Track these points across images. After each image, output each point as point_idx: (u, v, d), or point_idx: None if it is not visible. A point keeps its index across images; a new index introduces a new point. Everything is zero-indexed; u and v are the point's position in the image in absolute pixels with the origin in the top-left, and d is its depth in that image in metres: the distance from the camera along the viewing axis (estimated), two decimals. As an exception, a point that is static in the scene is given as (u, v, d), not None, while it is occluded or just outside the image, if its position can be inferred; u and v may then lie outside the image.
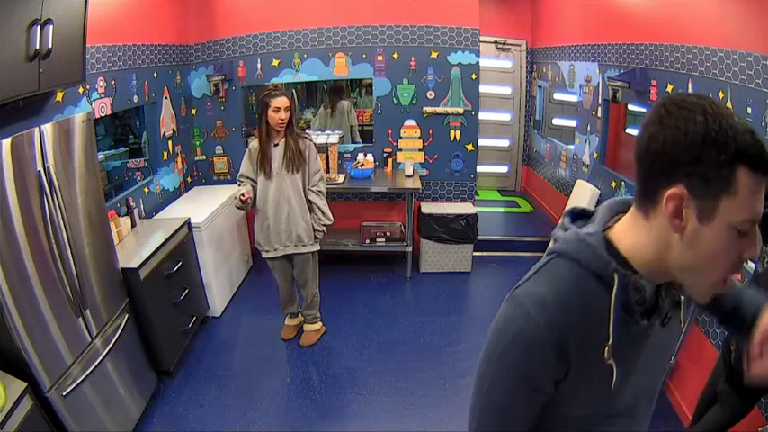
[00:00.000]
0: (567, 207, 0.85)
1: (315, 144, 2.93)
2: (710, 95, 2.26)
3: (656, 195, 0.67)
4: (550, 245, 0.79)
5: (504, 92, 5.87)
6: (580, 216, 0.84)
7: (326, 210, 2.97)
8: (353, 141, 4.76)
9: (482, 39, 4.29)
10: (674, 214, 0.66)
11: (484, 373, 0.78)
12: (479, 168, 4.77)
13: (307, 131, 4.14)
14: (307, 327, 3.25)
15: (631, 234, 0.73)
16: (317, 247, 3.03)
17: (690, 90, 2.49)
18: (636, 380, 0.77)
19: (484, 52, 5.39)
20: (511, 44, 5.67)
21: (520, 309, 0.73)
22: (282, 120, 2.71)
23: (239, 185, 2.92)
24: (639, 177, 0.70)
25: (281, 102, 2.70)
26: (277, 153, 2.78)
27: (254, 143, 2.84)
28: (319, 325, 3.28)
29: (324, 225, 2.97)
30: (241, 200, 2.78)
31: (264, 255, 3.00)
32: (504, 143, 6.03)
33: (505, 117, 5.96)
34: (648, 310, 0.74)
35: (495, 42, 5.59)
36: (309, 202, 2.93)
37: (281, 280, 3.12)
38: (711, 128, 0.62)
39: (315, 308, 3.21)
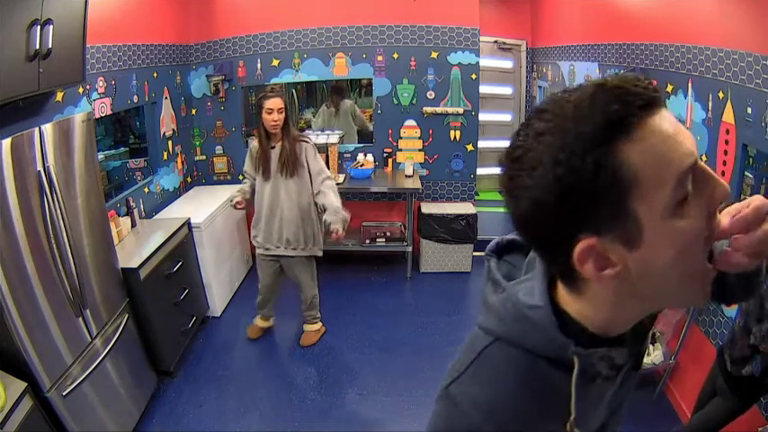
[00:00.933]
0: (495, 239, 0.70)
1: (314, 144, 2.87)
2: (710, 95, 2.26)
3: (569, 262, 0.51)
4: (482, 316, 0.63)
5: (504, 92, 5.87)
6: (508, 249, 0.69)
7: (339, 203, 2.85)
8: (361, 141, 4.70)
9: (483, 39, 4.29)
10: (600, 267, 0.50)
11: None
12: (481, 171, 4.76)
13: (306, 132, 4.15)
14: (306, 327, 3.24)
15: (575, 301, 0.57)
16: (312, 252, 2.98)
17: (690, 91, 2.49)
18: (598, 422, 0.66)
19: (486, 52, 5.40)
20: (511, 44, 5.66)
21: (460, 415, 0.60)
22: (275, 121, 2.69)
23: (243, 182, 2.97)
24: (543, 258, 0.57)
25: (273, 103, 2.67)
26: (274, 155, 2.78)
27: (254, 143, 2.85)
28: (319, 325, 3.27)
29: (341, 219, 2.82)
30: (236, 207, 2.87)
31: (257, 250, 3.01)
32: (506, 144, 6.03)
33: (506, 118, 5.95)
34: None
35: (496, 42, 5.59)
36: (315, 205, 2.89)
37: (263, 281, 3.12)
38: (559, 150, 0.47)
39: (314, 309, 3.21)
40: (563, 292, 0.59)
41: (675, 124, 0.48)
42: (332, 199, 2.81)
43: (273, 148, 2.78)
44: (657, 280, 0.51)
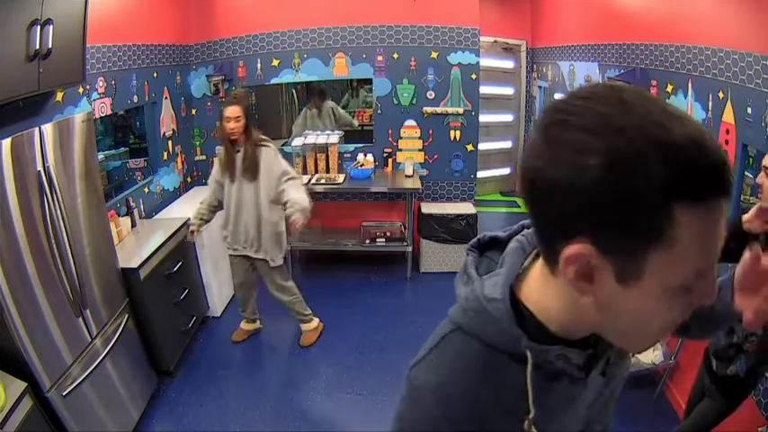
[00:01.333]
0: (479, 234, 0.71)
1: (276, 149, 2.85)
2: (710, 95, 2.26)
3: (556, 251, 0.49)
4: (453, 307, 0.64)
5: (506, 92, 5.86)
6: (491, 245, 0.68)
7: (303, 194, 2.79)
8: (360, 141, 4.70)
9: (484, 39, 4.29)
10: (579, 277, 0.48)
11: None
12: (483, 173, 4.77)
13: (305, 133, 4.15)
14: (303, 327, 3.23)
15: (540, 293, 0.57)
16: (270, 257, 2.92)
17: (690, 91, 2.49)
18: (574, 426, 0.64)
19: (490, 52, 5.40)
20: (511, 44, 5.66)
21: (418, 399, 0.60)
22: (232, 129, 2.69)
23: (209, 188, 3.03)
24: (533, 221, 0.53)
25: (230, 111, 2.69)
26: (238, 159, 2.80)
27: (221, 148, 2.89)
28: (315, 323, 3.25)
29: (299, 209, 2.70)
30: (191, 234, 3.01)
31: (228, 250, 3.02)
32: (507, 144, 6.02)
33: (508, 118, 5.95)
34: (585, 363, 0.60)
35: (495, 42, 5.59)
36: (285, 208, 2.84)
37: (235, 281, 3.14)
38: (622, 153, 0.42)
39: (299, 310, 3.16)
40: (530, 288, 0.58)
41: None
42: (292, 193, 2.78)
43: (238, 152, 2.80)
44: (610, 322, 0.52)
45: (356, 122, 4.94)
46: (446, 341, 0.61)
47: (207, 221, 3.03)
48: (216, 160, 2.97)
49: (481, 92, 4.35)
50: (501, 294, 0.56)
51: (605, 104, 0.45)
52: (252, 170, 2.76)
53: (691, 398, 2.09)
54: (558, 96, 0.58)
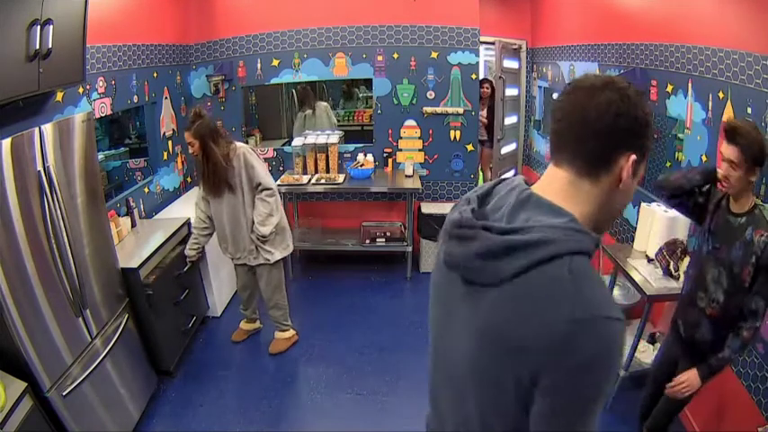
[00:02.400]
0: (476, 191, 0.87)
1: (245, 161, 2.71)
2: (710, 95, 2.27)
3: (612, 162, 0.75)
4: (523, 254, 0.70)
5: (512, 93, 5.80)
6: (486, 197, 0.86)
7: (262, 219, 2.76)
8: (361, 141, 4.72)
9: (488, 39, 4.28)
10: (629, 174, 0.76)
11: (593, 408, 0.70)
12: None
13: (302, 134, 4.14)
14: (276, 334, 3.19)
15: (576, 203, 0.76)
16: (270, 257, 2.90)
17: (690, 91, 2.49)
18: None
19: (504, 53, 5.37)
20: (516, 45, 5.66)
21: (608, 324, 0.67)
22: (192, 153, 2.68)
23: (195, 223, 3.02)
24: (592, 145, 0.75)
25: (186, 136, 2.67)
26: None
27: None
28: (290, 333, 3.19)
29: (258, 236, 2.77)
30: (190, 260, 3.02)
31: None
32: (512, 147, 5.98)
33: (513, 120, 5.91)
34: None
35: (494, 43, 5.58)
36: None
37: (239, 284, 3.17)
38: (650, 111, 0.76)
39: (278, 314, 3.11)
40: (566, 205, 0.76)
41: None
42: (256, 215, 2.76)
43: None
44: (620, 202, 0.80)
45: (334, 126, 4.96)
46: (575, 270, 0.69)
47: (203, 245, 3.07)
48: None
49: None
50: (569, 215, 0.74)
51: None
52: (219, 186, 2.70)
53: (656, 375, 2.05)
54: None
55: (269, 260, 2.90)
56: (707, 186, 1.79)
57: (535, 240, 0.69)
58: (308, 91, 4.86)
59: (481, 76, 4.55)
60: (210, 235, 3.02)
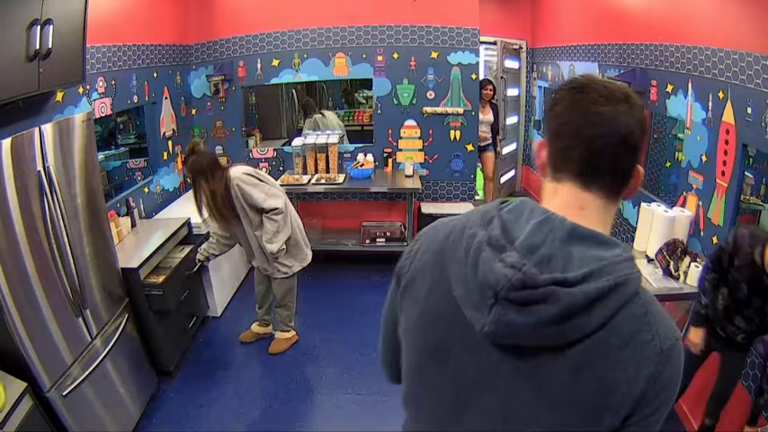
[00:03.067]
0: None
1: (239, 185, 2.65)
2: (710, 95, 2.27)
3: (629, 175, 0.70)
4: (623, 276, 0.64)
5: (512, 93, 5.81)
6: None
7: (269, 237, 2.73)
8: (361, 141, 4.76)
9: (489, 39, 4.28)
10: (638, 183, 0.72)
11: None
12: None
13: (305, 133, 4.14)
14: (278, 335, 3.20)
15: (607, 226, 0.72)
16: (288, 271, 2.94)
17: (690, 91, 2.49)
18: None
19: (504, 53, 5.38)
20: (516, 45, 5.66)
21: (679, 344, 0.68)
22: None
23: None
24: (626, 164, 0.70)
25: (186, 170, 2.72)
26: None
27: None
28: (290, 334, 3.20)
29: (269, 253, 2.78)
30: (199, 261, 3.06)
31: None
32: (512, 147, 5.98)
33: (514, 120, 5.92)
34: None
35: (495, 43, 5.58)
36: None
37: (256, 287, 3.20)
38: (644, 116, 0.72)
39: (285, 314, 3.13)
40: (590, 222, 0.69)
41: None
42: (264, 231, 2.75)
43: None
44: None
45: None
46: (651, 307, 0.66)
47: (216, 256, 3.09)
48: None
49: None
50: (621, 246, 0.66)
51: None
52: (223, 215, 2.72)
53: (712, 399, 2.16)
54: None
55: (287, 273, 2.95)
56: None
57: (615, 283, 0.61)
58: (310, 103, 5.01)
59: (481, 77, 4.54)
60: (231, 246, 3.06)
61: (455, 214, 0.75)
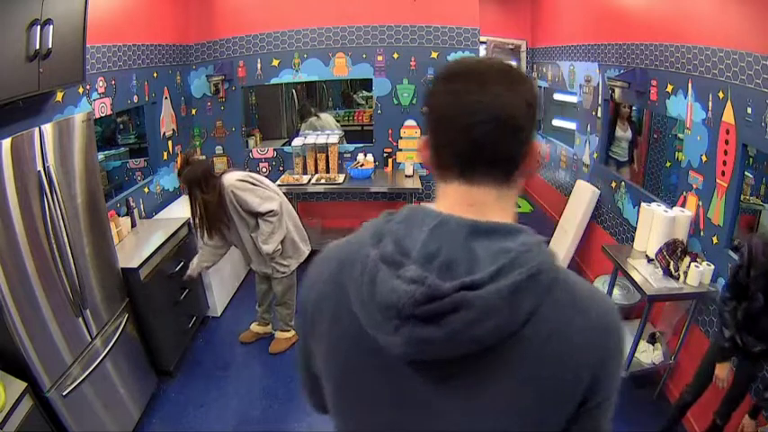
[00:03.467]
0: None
1: (233, 191, 2.65)
2: (710, 95, 2.27)
3: (519, 159, 0.65)
4: (523, 271, 0.58)
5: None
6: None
7: (264, 238, 2.73)
8: (361, 141, 4.77)
9: (490, 39, 4.28)
10: (537, 160, 0.68)
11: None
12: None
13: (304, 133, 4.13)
14: (278, 334, 3.20)
15: (509, 214, 0.68)
16: (286, 270, 2.95)
17: (690, 91, 2.49)
18: None
19: (500, 53, 5.39)
20: (514, 44, 5.66)
21: (614, 312, 0.66)
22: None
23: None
24: (516, 146, 0.64)
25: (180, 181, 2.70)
26: None
27: None
28: (290, 334, 3.20)
29: (265, 254, 2.79)
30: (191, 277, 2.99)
31: None
32: None
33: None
34: None
35: (501, 42, 5.59)
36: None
37: (257, 287, 3.21)
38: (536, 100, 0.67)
39: (285, 312, 3.13)
40: (491, 215, 0.65)
41: None
42: (260, 232, 2.75)
43: None
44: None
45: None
46: (565, 281, 0.62)
47: (209, 267, 3.07)
48: None
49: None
50: (524, 229, 0.63)
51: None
52: (213, 226, 2.73)
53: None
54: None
55: (286, 272, 2.95)
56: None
57: (528, 275, 0.56)
58: (306, 107, 5.02)
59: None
60: (223, 254, 3.03)
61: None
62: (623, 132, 3.98)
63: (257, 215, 2.72)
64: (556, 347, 0.59)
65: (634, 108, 3.83)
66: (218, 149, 4.43)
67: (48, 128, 1.97)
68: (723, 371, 1.98)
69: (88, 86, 2.76)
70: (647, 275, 2.46)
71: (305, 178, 4.09)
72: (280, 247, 2.82)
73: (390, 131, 4.33)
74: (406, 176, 4.16)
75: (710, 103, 2.32)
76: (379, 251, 0.60)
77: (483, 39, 5.31)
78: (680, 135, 2.98)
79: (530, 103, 0.63)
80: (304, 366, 0.79)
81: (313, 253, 3.19)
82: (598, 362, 0.61)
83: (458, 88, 0.62)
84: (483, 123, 0.60)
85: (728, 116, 2.19)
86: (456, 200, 0.65)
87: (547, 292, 0.59)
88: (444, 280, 0.56)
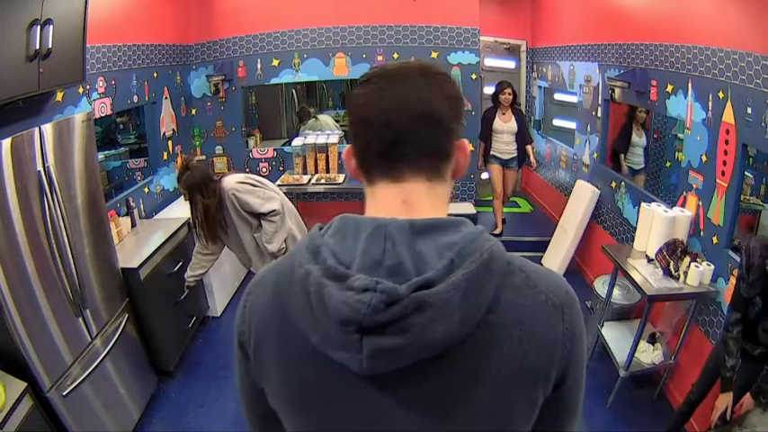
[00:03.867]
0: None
1: (233, 195, 2.59)
2: (710, 95, 2.27)
3: (445, 153, 0.65)
4: (484, 248, 0.58)
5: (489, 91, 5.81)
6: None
7: (268, 237, 2.67)
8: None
9: (484, 38, 4.28)
10: (466, 158, 0.69)
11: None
12: (484, 174, 4.75)
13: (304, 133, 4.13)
14: None
15: (442, 211, 0.66)
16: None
17: (690, 91, 2.49)
18: None
19: (494, 52, 5.39)
20: (512, 44, 5.66)
21: (570, 290, 0.65)
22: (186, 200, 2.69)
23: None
24: (440, 142, 0.64)
25: (180, 186, 2.63)
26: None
27: None
28: None
29: (269, 253, 2.73)
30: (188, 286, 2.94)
31: None
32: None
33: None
34: None
35: (496, 41, 5.59)
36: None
37: None
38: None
39: None
40: (423, 210, 0.64)
41: None
42: (263, 232, 2.71)
43: None
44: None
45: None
46: (521, 268, 0.62)
47: (203, 274, 3.00)
48: None
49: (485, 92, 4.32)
50: (461, 221, 0.62)
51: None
52: (213, 231, 2.69)
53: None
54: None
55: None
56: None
57: (481, 262, 0.55)
58: (305, 109, 5.07)
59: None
60: (215, 259, 2.96)
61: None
62: (639, 138, 3.80)
63: (260, 216, 2.72)
64: (524, 329, 0.58)
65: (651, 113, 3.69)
66: (218, 149, 4.43)
67: (48, 128, 1.97)
68: (723, 402, 1.87)
69: (88, 86, 2.77)
70: (647, 275, 2.46)
71: (305, 178, 4.09)
72: (284, 245, 2.81)
73: (390, 131, 4.33)
74: (406, 176, 4.15)
75: (710, 103, 2.32)
76: (320, 267, 0.57)
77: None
78: (680, 135, 2.98)
79: (449, 95, 0.63)
80: (249, 406, 0.74)
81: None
82: (567, 335, 0.60)
83: (374, 88, 0.62)
84: (401, 117, 0.60)
85: (728, 116, 2.19)
86: (386, 200, 0.64)
87: (502, 276, 0.58)
88: (397, 283, 0.53)
